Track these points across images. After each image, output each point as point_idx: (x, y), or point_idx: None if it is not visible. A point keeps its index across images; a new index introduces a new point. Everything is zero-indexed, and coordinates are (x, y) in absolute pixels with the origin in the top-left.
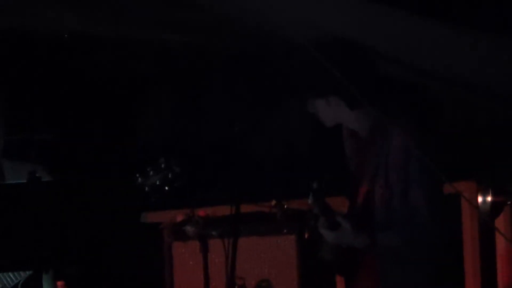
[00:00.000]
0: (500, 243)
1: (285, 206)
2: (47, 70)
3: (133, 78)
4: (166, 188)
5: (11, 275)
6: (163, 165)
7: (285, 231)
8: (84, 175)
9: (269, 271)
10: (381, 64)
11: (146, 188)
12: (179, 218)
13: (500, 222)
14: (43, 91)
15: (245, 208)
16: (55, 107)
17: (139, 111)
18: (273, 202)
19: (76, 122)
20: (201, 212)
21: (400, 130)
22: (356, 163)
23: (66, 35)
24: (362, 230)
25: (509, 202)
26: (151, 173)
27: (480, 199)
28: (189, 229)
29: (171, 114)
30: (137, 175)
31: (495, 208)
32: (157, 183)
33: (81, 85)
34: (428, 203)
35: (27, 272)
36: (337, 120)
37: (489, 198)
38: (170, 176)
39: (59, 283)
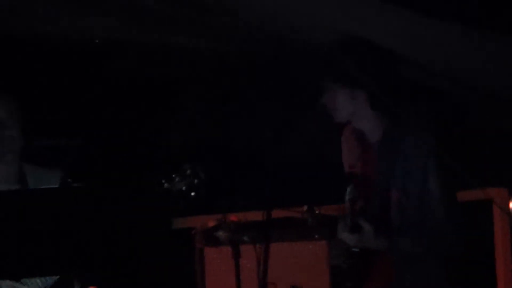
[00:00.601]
0: None
1: (317, 212)
2: (76, 76)
3: (160, 84)
4: (192, 194)
5: (38, 280)
6: (188, 171)
7: (316, 236)
8: (114, 181)
9: (300, 277)
10: (404, 67)
11: (173, 194)
12: (211, 223)
13: None
14: (72, 97)
15: (277, 214)
16: (83, 112)
17: (168, 116)
18: (305, 208)
19: (104, 128)
20: (233, 217)
21: (419, 134)
22: (363, 166)
23: (97, 41)
24: (382, 233)
25: None
26: (177, 179)
27: None
28: (221, 234)
29: (202, 120)
30: (163, 181)
31: None
32: (183, 189)
33: (110, 90)
34: (446, 208)
35: (54, 277)
36: (351, 116)
37: None
38: (196, 182)
39: None
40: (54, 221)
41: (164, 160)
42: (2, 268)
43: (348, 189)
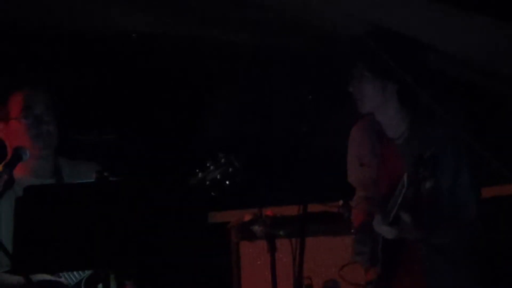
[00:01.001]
0: None
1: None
2: (112, 70)
3: (196, 78)
4: (227, 182)
5: (75, 273)
6: (223, 160)
7: (352, 231)
8: (150, 175)
9: (336, 271)
10: (435, 59)
11: (207, 183)
12: (247, 217)
13: None
14: (108, 91)
15: (313, 208)
16: (120, 106)
17: (204, 110)
18: (340, 202)
19: (141, 121)
20: (268, 211)
21: (451, 127)
22: (382, 161)
23: (134, 35)
24: (417, 224)
25: None
26: (211, 167)
27: None
28: (256, 228)
29: (237, 113)
30: (197, 170)
31: None
32: (218, 177)
33: (145, 84)
34: (476, 202)
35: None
36: (377, 108)
37: None
38: (230, 170)
39: (128, 283)
40: (90, 215)
41: (199, 154)
42: (38, 262)
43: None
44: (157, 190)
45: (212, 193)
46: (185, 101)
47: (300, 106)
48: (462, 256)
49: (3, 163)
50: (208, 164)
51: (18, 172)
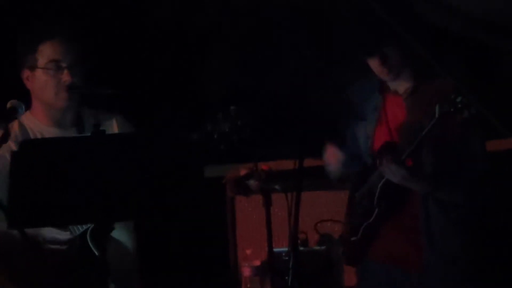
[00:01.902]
0: None
1: None
2: (110, 25)
3: (195, 31)
4: (235, 137)
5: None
6: (233, 113)
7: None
8: (148, 128)
9: (331, 226)
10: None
11: (215, 136)
12: (242, 172)
13: None
14: (113, 47)
15: (309, 163)
16: (123, 61)
17: (202, 65)
18: None
19: (144, 75)
20: (264, 166)
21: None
22: (384, 113)
23: None
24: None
25: None
26: (221, 120)
27: None
28: (252, 183)
29: (234, 67)
30: (207, 123)
31: None
32: (227, 130)
33: (148, 40)
34: (483, 159)
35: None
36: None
37: None
38: (239, 123)
39: None
40: (86, 169)
41: (196, 110)
42: (33, 217)
43: None
44: (153, 144)
45: (221, 147)
46: (185, 56)
47: (298, 61)
48: (468, 221)
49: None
50: (218, 115)
51: (40, 121)
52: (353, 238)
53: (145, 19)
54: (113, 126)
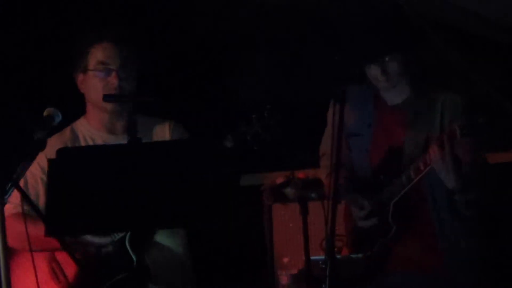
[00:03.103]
0: None
1: None
2: (146, 32)
3: (233, 38)
4: (268, 136)
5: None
6: (266, 113)
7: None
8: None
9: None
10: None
11: (249, 137)
12: (279, 180)
13: None
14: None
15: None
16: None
17: (239, 71)
18: None
19: (181, 82)
20: (301, 174)
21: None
22: (381, 128)
23: None
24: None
25: None
26: (255, 120)
27: None
28: (289, 191)
29: (272, 75)
30: (240, 124)
31: None
32: (259, 131)
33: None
34: (481, 169)
35: None
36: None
37: None
38: (271, 123)
39: None
40: (123, 177)
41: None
42: (71, 224)
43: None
44: (190, 152)
45: (255, 148)
46: (218, 62)
47: (330, 67)
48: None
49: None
50: (253, 117)
51: (92, 126)
52: (367, 254)
53: (186, 25)
54: (165, 132)
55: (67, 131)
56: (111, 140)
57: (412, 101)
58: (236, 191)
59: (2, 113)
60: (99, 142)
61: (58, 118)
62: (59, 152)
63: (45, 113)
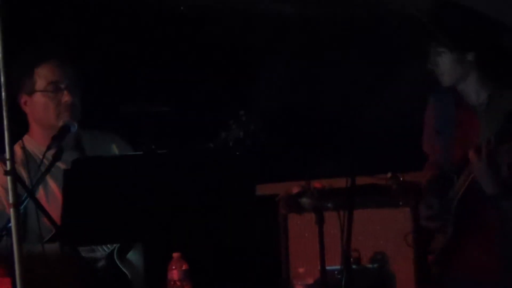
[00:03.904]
0: None
1: (401, 179)
2: (163, 42)
3: (246, 50)
4: (249, 141)
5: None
6: (244, 118)
7: (400, 203)
8: (198, 146)
9: (384, 244)
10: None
11: (230, 143)
12: (295, 190)
13: None
14: (158, 64)
15: (361, 181)
16: (170, 79)
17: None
18: (389, 175)
19: (189, 95)
20: (317, 184)
21: None
22: (463, 129)
23: (182, 8)
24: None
25: None
26: (234, 126)
27: None
28: (304, 201)
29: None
30: (220, 130)
31: None
32: (240, 136)
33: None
34: None
35: None
36: (457, 81)
37: None
38: (252, 128)
39: (175, 255)
40: (138, 187)
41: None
42: (86, 235)
43: None
44: (205, 162)
45: (237, 153)
46: (231, 74)
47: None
48: None
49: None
50: (230, 123)
51: (42, 145)
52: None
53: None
54: (111, 147)
55: (17, 150)
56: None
57: (488, 103)
58: (252, 201)
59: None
60: (49, 159)
61: (74, 128)
62: (74, 162)
63: (61, 123)
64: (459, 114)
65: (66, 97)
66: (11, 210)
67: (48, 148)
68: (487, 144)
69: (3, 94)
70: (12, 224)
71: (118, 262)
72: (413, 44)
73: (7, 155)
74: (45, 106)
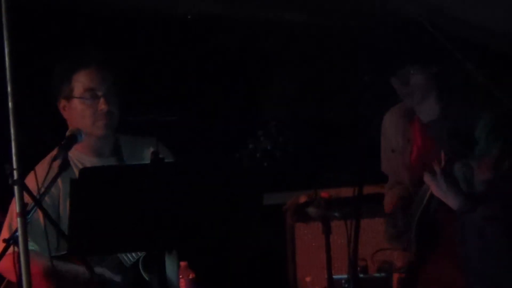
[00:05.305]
0: None
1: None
2: (172, 52)
3: (255, 58)
4: (278, 153)
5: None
6: (273, 129)
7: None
8: (206, 156)
9: (391, 253)
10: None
11: (258, 155)
12: (302, 199)
13: None
14: (168, 72)
15: (368, 190)
16: (179, 88)
17: (261, 90)
18: None
19: (200, 103)
20: (324, 193)
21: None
22: (416, 145)
23: (189, 16)
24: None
25: None
26: (262, 137)
27: None
28: (311, 210)
29: (294, 94)
30: (248, 142)
31: None
32: (268, 148)
33: (205, 66)
34: None
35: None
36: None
37: None
38: (281, 140)
39: (183, 264)
40: (145, 196)
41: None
42: (94, 244)
43: None
44: (211, 171)
45: (265, 164)
46: (241, 82)
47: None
48: (504, 241)
49: (58, 146)
50: (259, 133)
51: (80, 151)
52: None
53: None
54: (149, 153)
55: (49, 159)
56: (100, 163)
57: (441, 121)
58: (259, 210)
59: (24, 133)
60: (88, 165)
61: (81, 138)
62: (82, 172)
63: (68, 133)
64: (413, 131)
65: (102, 105)
66: (18, 219)
67: (55, 158)
68: (439, 164)
69: (10, 103)
70: (19, 233)
71: (142, 272)
72: (418, 50)
73: (14, 165)
74: (82, 112)
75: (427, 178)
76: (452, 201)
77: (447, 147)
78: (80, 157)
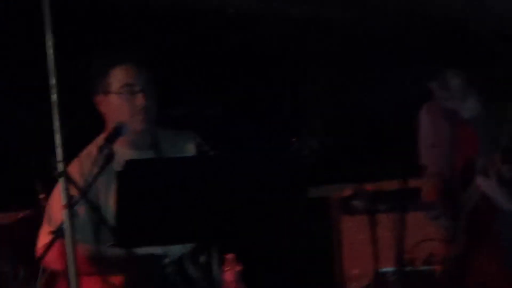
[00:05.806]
0: None
1: None
2: (212, 47)
3: (293, 55)
4: (324, 152)
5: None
6: (318, 127)
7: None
8: (250, 149)
9: (437, 245)
10: None
11: (303, 152)
12: (347, 192)
13: None
14: (208, 67)
15: (413, 183)
16: (220, 82)
17: (302, 87)
18: None
19: (239, 97)
20: (369, 186)
21: None
22: (457, 141)
23: (231, 11)
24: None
25: None
26: (307, 135)
27: None
28: (357, 203)
29: (338, 90)
30: (294, 139)
31: None
32: (313, 145)
33: (244, 61)
34: None
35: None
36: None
37: None
38: (326, 138)
39: (229, 256)
40: (190, 189)
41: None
42: (141, 236)
43: None
44: (256, 164)
45: (311, 161)
46: (280, 79)
47: (398, 83)
48: None
49: (103, 138)
50: (304, 132)
51: (118, 145)
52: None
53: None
54: (188, 147)
55: (93, 150)
56: (138, 156)
57: (483, 118)
58: (304, 203)
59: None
60: (125, 159)
61: (126, 131)
62: (127, 164)
63: (112, 126)
64: (454, 127)
65: (140, 100)
66: (64, 211)
67: (101, 150)
68: (492, 165)
69: (54, 96)
70: (66, 225)
71: (186, 265)
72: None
73: (59, 157)
74: (119, 107)
75: (479, 180)
76: (504, 203)
77: (504, 148)
78: (117, 150)
